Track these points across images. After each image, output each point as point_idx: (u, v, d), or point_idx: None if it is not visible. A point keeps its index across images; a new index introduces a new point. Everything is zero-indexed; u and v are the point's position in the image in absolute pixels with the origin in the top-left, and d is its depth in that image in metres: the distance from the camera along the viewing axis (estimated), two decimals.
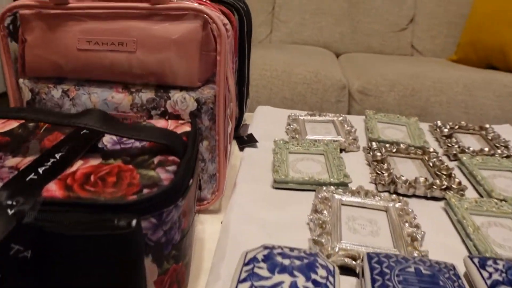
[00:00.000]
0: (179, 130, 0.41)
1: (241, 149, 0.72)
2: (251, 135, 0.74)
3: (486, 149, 0.73)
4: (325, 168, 0.63)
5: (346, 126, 0.79)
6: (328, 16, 1.96)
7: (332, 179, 0.58)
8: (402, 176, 0.59)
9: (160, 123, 0.43)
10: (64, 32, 0.50)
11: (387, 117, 0.86)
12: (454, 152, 0.72)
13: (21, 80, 0.53)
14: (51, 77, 0.52)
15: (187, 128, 0.41)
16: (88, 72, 0.51)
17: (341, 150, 0.72)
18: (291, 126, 0.78)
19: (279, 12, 2.02)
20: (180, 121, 0.44)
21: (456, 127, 0.84)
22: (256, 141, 0.73)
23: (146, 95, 0.50)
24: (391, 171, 0.61)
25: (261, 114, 0.87)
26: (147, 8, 0.48)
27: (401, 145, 0.71)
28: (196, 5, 0.47)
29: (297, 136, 0.74)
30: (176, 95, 0.49)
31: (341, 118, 0.83)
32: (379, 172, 0.61)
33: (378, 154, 0.66)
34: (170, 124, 0.43)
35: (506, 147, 0.75)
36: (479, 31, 1.75)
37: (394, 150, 0.70)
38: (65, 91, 0.51)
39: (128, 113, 0.50)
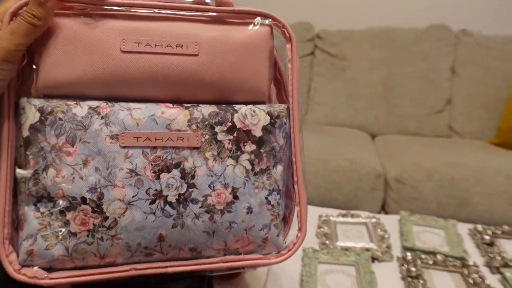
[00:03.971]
0: None
1: None
2: None
3: None
4: (355, 284, 0.60)
5: (379, 230, 0.77)
6: (363, 99, 1.98)
7: None
8: None
9: None
10: (103, 32, 0.39)
11: (423, 219, 0.82)
12: (496, 265, 0.67)
13: (23, 99, 0.39)
14: (69, 95, 0.40)
15: None
16: (131, 83, 0.40)
17: (374, 259, 0.69)
18: (322, 229, 0.76)
19: (314, 95, 2.06)
20: None
21: (499, 232, 0.79)
22: None
23: (208, 109, 0.42)
24: None
25: None
26: (211, 9, 0.42)
27: (438, 256, 0.68)
28: (263, 10, 0.43)
29: (327, 242, 0.72)
30: (243, 109, 0.42)
31: (374, 220, 0.81)
32: None
33: (413, 269, 0.63)
34: None
35: None
36: None
37: (431, 262, 0.66)
38: (93, 108, 0.39)
39: (185, 131, 0.40)
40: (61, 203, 0.38)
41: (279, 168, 0.44)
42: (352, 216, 0.83)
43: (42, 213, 0.39)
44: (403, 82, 1.98)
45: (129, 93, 0.41)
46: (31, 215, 0.39)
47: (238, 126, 0.42)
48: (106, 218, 0.39)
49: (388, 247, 0.71)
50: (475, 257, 0.72)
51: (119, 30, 0.40)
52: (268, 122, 0.43)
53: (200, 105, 0.42)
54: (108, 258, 0.40)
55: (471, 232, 0.80)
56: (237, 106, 0.43)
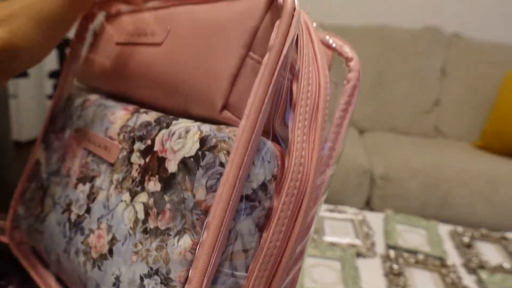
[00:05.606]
0: None
1: None
2: None
3: (507, 265, 0.72)
4: (340, 279, 0.63)
5: (364, 227, 0.80)
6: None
7: None
8: None
9: None
10: (116, 27, 0.37)
11: (406, 218, 0.86)
12: (473, 266, 0.71)
13: (75, 84, 0.42)
14: (93, 87, 0.40)
15: None
16: (116, 77, 0.36)
17: (358, 255, 0.72)
18: None
19: None
20: None
21: (477, 235, 0.83)
22: None
23: (146, 117, 0.30)
24: None
25: None
26: None
27: (420, 255, 0.71)
28: None
29: (315, 236, 0.75)
30: (178, 125, 0.27)
31: (360, 217, 0.84)
32: None
33: (395, 266, 0.66)
34: None
35: None
36: (505, 121, 1.76)
37: (413, 261, 0.70)
38: (85, 99, 0.38)
39: (113, 140, 0.32)
40: (39, 180, 0.39)
41: (184, 241, 0.25)
42: (339, 212, 0.86)
43: (35, 185, 0.40)
44: (394, 81, 2.01)
45: (120, 90, 0.36)
46: (32, 186, 0.41)
47: (155, 149, 0.28)
48: (43, 211, 0.37)
49: (373, 244, 0.74)
50: (454, 257, 0.76)
51: (125, 23, 0.37)
52: (193, 153, 0.25)
53: (150, 111, 0.32)
54: (42, 254, 0.37)
55: (451, 233, 0.84)
56: (178, 120, 0.28)
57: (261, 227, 0.25)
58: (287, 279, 0.28)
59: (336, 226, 0.80)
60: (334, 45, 0.32)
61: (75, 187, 0.34)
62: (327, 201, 1.32)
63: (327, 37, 0.33)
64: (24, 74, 1.27)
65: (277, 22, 0.25)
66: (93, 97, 0.38)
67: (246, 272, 0.25)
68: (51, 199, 0.36)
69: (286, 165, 0.25)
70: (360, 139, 1.83)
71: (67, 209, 0.34)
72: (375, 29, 2.08)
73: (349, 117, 0.32)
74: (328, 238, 0.75)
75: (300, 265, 0.30)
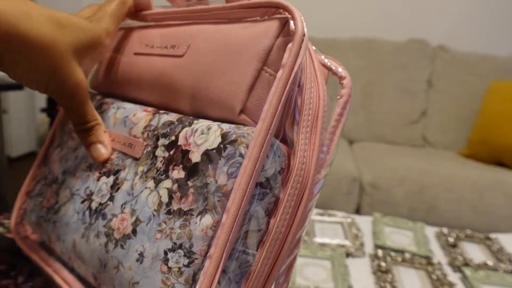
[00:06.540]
0: None
1: None
2: None
3: (491, 263, 0.75)
4: (330, 276, 0.66)
5: (354, 229, 0.83)
6: None
7: None
8: None
9: None
10: (133, 39, 0.42)
11: (394, 221, 0.89)
12: (458, 264, 0.74)
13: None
14: (107, 92, 0.44)
15: None
16: (138, 84, 0.40)
17: (348, 255, 0.74)
18: None
19: None
20: None
21: (462, 235, 0.86)
22: None
23: (168, 117, 0.34)
24: (395, 284, 0.64)
25: None
26: (218, 8, 0.34)
27: (406, 254, 0.74)
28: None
29: (306, 238, 0.77)
30: (200, 124, 0.32)
31: (349, 220, 0.87)
32: (383, 285, 0.64)
33: (383, 264, 0.69)
34: None
35: (510, 260, 0.77)
36: (489, 130, 1.81)
37: (400, 259, 0.73)
38: (101, 102, 0.41)
39: (138, 138, 0.35)
40: (50, 176, 0.42)
41: (206, 220, 0.28)
42: (329, 215, 0.88)
43: (44, 181, 0.43)
44: (382, 92, 2.07)
45: (134, 95, 0.41)
46: (41, 183, 0.44)
47: (179, 143, 0.32)
48: (57, 202, 0.40)
49: (361, 244, 0.77)
50: (439, 256, 0.79)
51: (141, 36, 0.41)
52: (215, 146, 0.29)
53: (170, 113, 0.36)
54: (52, 244, 0.40)
55: (437, 234, 0.87)
56: (198, 120, 0.33)
57: (269, 213, 0.29)
58: (286, 262, 0.32)
59: (326, 228, 0.83)
60: (330, 65, 0.37)
61: (98, 179, 0.37)
62: (319, 207, 1.35)
63: (325, 59, 0.37)
64: (19, 87, 1.29)
65: (290, 45, 0.29)
66: (109, 100, 0.41)
67: (256, 250, 0.29)
68: (69, 191, 0.39)
69: (291, 162, 0.29)
70: (349, 149, 1.87)
71: (88, 198, 0.37)
72: (362, 42, 2.14)
73: (341, 126, 0.36)
74: (319, 240, 0.77)
75: (296, 252, 0.34)
